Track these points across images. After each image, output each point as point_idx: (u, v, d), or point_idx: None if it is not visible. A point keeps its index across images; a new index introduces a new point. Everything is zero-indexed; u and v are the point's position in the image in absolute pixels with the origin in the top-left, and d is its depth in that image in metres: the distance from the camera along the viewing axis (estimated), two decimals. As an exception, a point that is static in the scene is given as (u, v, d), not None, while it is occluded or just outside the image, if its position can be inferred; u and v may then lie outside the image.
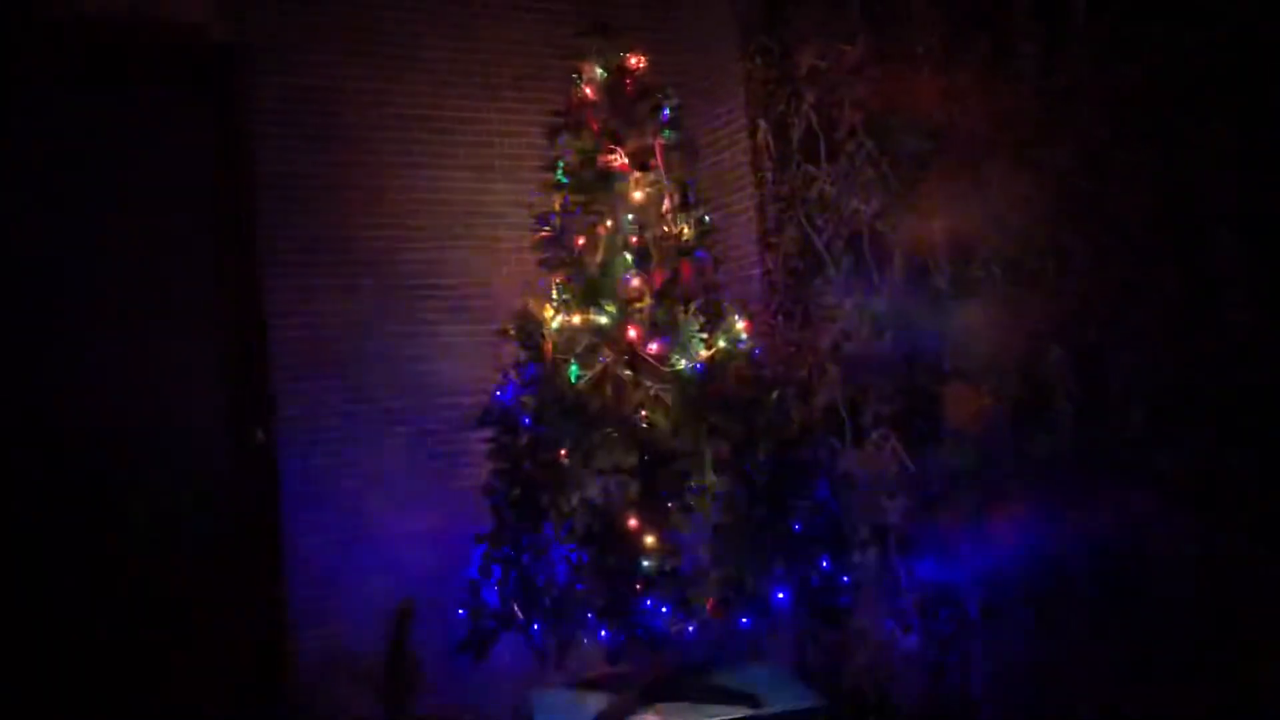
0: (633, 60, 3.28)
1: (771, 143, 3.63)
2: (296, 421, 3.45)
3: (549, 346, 3.10)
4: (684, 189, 3.28)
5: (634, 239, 3.14)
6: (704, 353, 3.07)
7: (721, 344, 3.12)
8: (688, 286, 3.18)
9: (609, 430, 2.97)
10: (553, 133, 3.29)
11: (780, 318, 3.62)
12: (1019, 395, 2.62)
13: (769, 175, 3.66)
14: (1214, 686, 2.17)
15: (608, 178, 3.20)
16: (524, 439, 3.10)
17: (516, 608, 3.02)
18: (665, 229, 3.20)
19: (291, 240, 3.50)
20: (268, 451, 3.42)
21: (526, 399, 3.11)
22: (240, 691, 3.37)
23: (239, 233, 3.46)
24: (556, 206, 3.27)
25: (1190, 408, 2.19)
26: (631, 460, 2.95)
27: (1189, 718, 2.22)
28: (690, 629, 3.01)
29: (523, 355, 3.17)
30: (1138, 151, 2.26)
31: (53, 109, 3.31)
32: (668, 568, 2.90)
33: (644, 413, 2.99)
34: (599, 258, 3.15)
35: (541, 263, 3.30)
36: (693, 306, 3.09)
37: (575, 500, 2.96)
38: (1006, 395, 2.66)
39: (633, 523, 2.89)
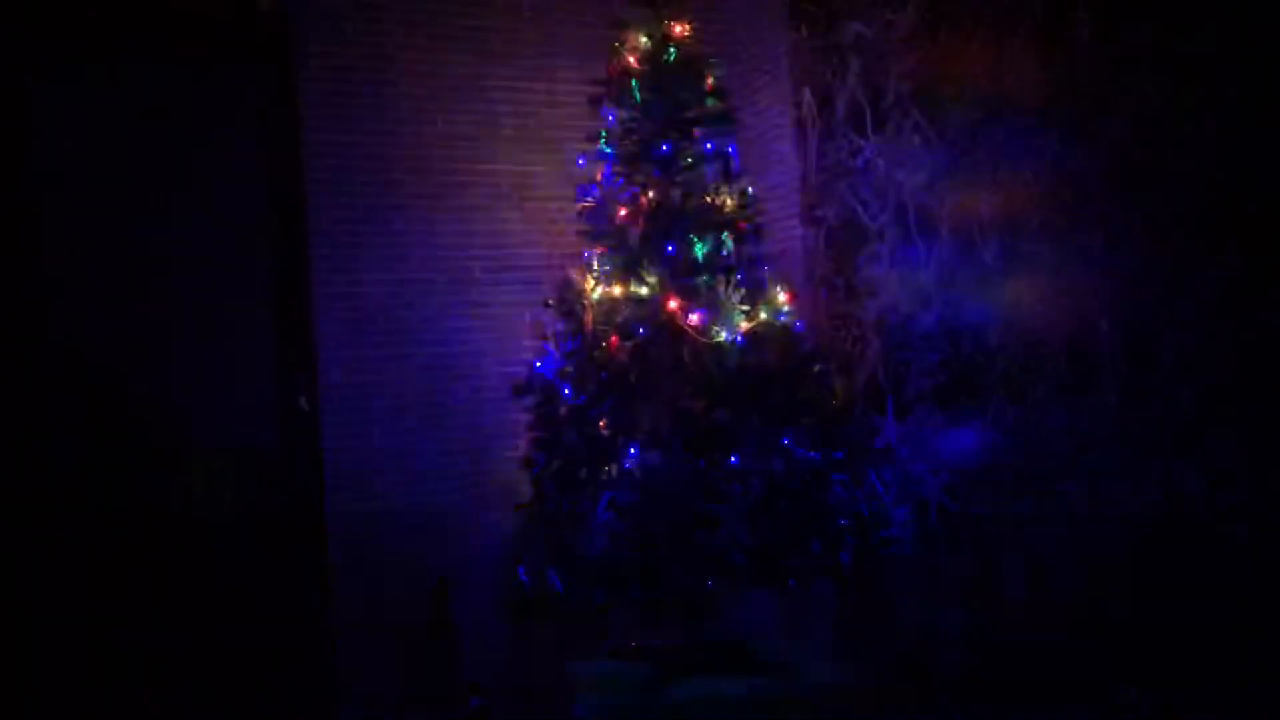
0: (677, 29, 3.25)
1: (816, 113, 3.58)
2: (341, 390, 3.49)
3: (589, 318, 3.10)
4: (726, 159, 3.25)
5: (675, 210, 3.12)
6: (745, 325, 3.05)
7: (763, 316, 3.10)
8: (729, 258, 3.16)
9: (648, 402, 2.97)
10: (595, 103, 3.27)
11: (823, 290, 3.59)
12: (1066, 371, 2.58)
13: (813, 146, 3.62)
14: (1266, 670, 2.13)
15: (650, 148, 3.18)
16: (564, 410, 3.11)
17: (555, 577, 3.04)
18: (707, 199, 3.17)
19: (339, 209, 3.52)
20: (312, 419, 3.46)
21: (567, 370, 3.12)
22: (283, 657, 3.44)
23: (287, 201, 3.49)
24: (598, 177, 3.26)
25: (1243, 389, 2.14)
26: (671, 432, 2.94)
27: (1238, 700, 2.19)
28: (728, 600, 3.02)
29: (563, 326, 3.18)
30: (1198, 123, 2.20)
31: (101, 78, 3.34)
32: (707, 540, 2.90)
33: (684, 385, 2.98)
34: (640, 229, 3.13)
35: (583, 234, 3.29)
36: (734, 278, 3.07)
37: (615, 471, 2.97)
38: (1053, 371, 2.62)
39: (671, 494, 2.90)
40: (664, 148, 3.16)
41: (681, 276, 3.09)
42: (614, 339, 3.04)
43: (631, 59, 3.23)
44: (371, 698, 3.38)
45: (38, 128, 3.25)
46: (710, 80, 3.24)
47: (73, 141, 3.30)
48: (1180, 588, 2.31)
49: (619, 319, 3.07)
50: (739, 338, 3.03)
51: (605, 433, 3.02)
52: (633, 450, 2.96)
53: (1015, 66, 2.68)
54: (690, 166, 3.19)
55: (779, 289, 3.20)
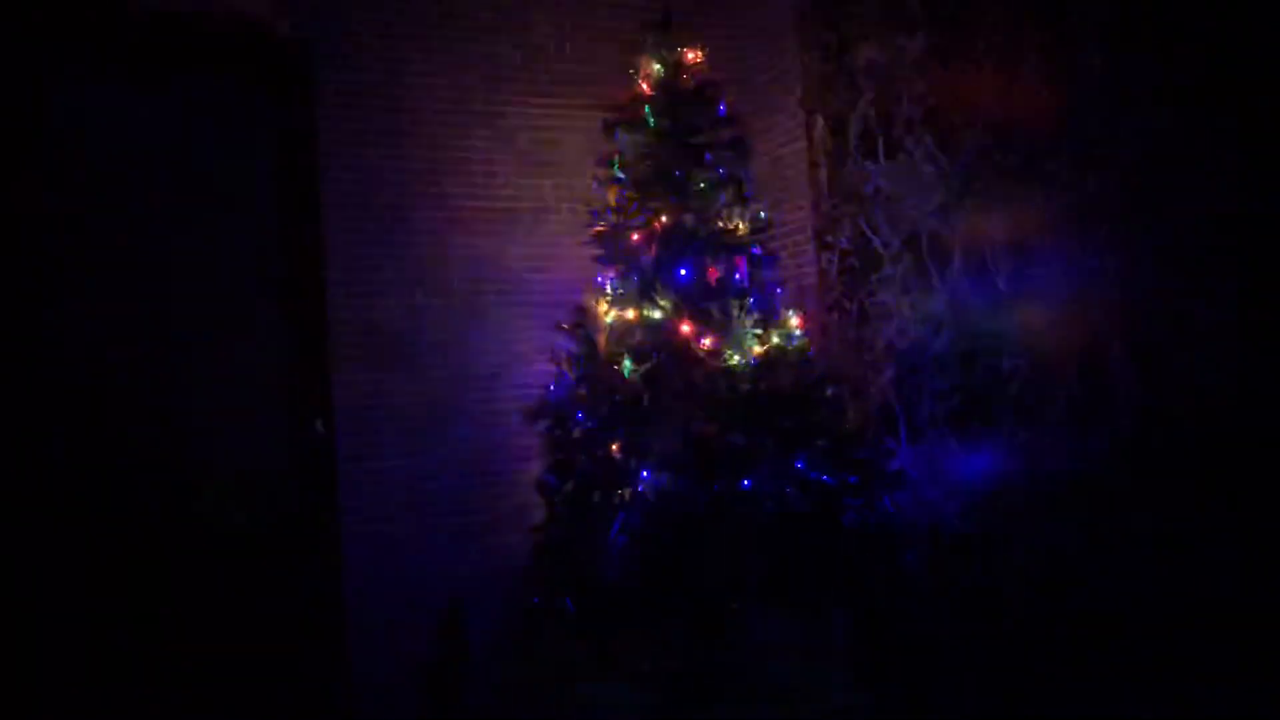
0: (690, 55, 3.28)
1: (828, 138, 3.60)
2: (355, 412, 3.50)
3: (603, 341, 3.11)
4: (739, 184, 3.27)
5: (688, 234, 3.14)
6: (757, 349, 3.06)
7: (775, 340, 3.11)
8: (742, 282, 3.17)
9: (661, 426, 2.98)
10: (609, 127, 3.30)
11: (835, 314, 3.60)
12: (1078, 394, 2.58)
13: (825, 171, 3.64)
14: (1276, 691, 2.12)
15: (663, 173, 3.20)
16: (577, 433, 3.11)
17: (569, 600, 3.03)
18: (720, 224, 3.19)
19: (354, 232, 3.54)
20: (327, 441, 3.47)
21: (580, 393, 3.13)
22: (295, 678, 3.43)
23: (301, 226, 3.52)
24: (612, 201, 3.28)
25: (1258, 410, 2.14)
26: (684, 456, 2.95)
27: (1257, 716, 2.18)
28: (742, 624, 3.01)
29: (576, 350, 3.19)
30: (1207, 146, 2.21)
31: (117, 104, 3.38)
32: (720, 563, 2.89)
33: (696, 409, 2.98)
34: (653, 253, 3.15)
35: (597, 258, 3.31)
36: (747, 302, 3.08)
37: (628, 494, 2.97)
38: (1065, 394, 2.61)
39: (685, 518, 2.90)
40: (677, 173, 3.18)
41: (694, 301, 3.10)
42: (627, 362, 3.05)
43: (645, 85, 3.26)
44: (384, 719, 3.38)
45: (59, 148, 3.30)
46: (723, 106, 3.26)
47: (92, 164, 3.34)
48: (1194, 608, 2.29)
49: (632, 343, 3.08)
50: (752, 362, 3.03)
51: (618, 456, 3.02)
52: (645, 474, 2.97)
53: (1026, 91, 2.70)
54: (703, 191, 3.21)
55: (791, 313, 3.21)
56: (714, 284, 3.12)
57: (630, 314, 3.11)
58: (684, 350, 3.04)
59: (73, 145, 3.31)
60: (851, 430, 3.23)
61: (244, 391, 3.48)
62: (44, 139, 3.28)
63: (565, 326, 3.23)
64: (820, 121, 3.64)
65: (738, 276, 3.17)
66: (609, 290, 3.21)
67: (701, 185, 3.20)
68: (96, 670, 3.21)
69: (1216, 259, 2.21)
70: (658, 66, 3.26)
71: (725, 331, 3.04)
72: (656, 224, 3.18)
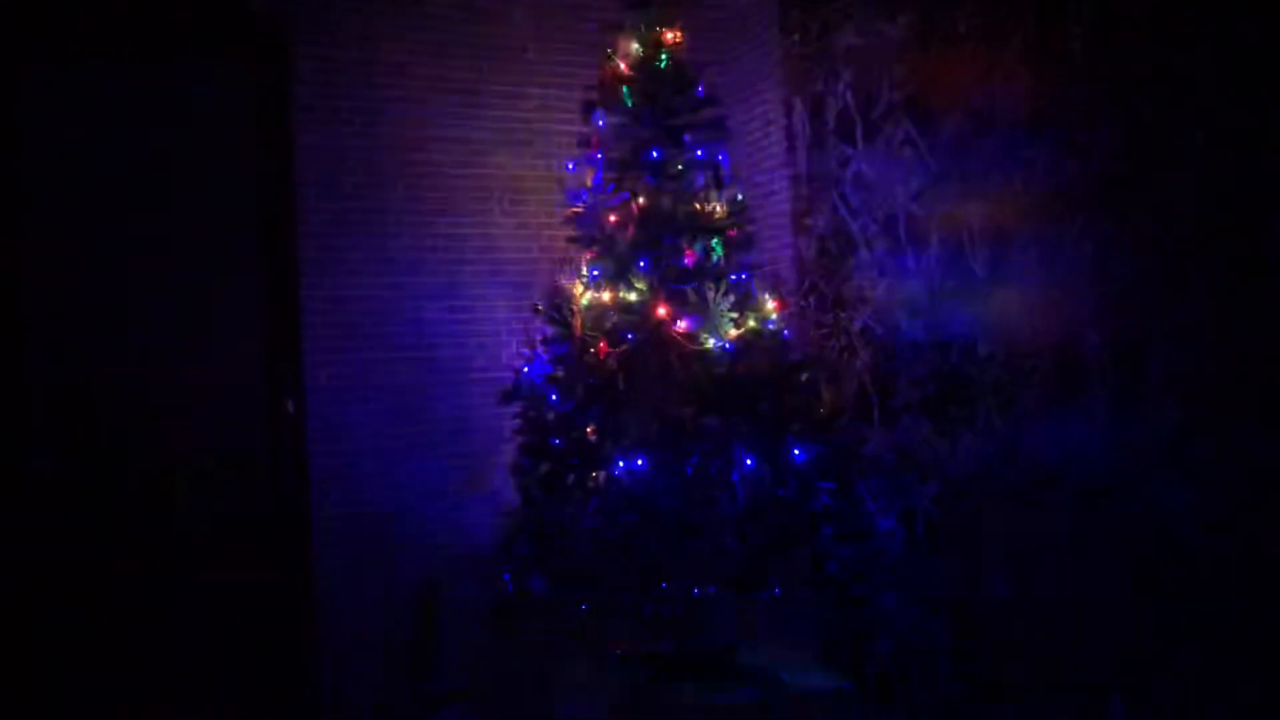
0: (669, 35, 3.25)
1: (807, 121, 3.59)
2: (327, 393, 3.47)
3: (578, 323, 3.09)
4: (717, 167, 3.25)
5: (665, 216, 3.12)
6: (733, 332, 3.05)
7: (751, 324, 3.10)
8: (719, 265, 3.15)
9: (636, 408, 2.96)
10: (586, 108, 3.26)
11: (811, 298, 3.59)
12: (1054, 382, 2.58)
13: (803, 154, 3.62)
14: (1250, 680, 2.14)
15: (640, 154, 3.17)
16: (552, 415, 3.10)
17: (542, 582, 3.02)
18: (697, 206, 3.17)
19: (328, 213, 3.50)
20: (297, 422, 3.44)
21: (555, 375, 3.11)
22: (266, 662, 3.41)
23: (276, 205, 3.47)
24: (589, 182, 3.25)
25: (1231, 400, 2.15)
26: (659, 439, 2.94)
27: (1223, 710, 2.20)
28: (714, 608, 3.01)
29: (552, 332, 3.17)
30: (1188, 136, 2.21)
31: (93, 80, 3.32)
32: (694, 547, 2.89)
33: (672, 392, 2.97)
34: (630, 235, 3.13)
35: (572, 239, 3.28)
36: (723, 285, 3.07)
37: (602, 477, 2.96)
38: (1041, 382, 2.62)
39: (658, 500, 2.89)
40: (654, 154, 3.16)
41: (670, 283, 3.08)
42: (603, 345, 3.03)
43: (623, 65, 3.23)
44: (354, 703, 3.36)
45: (28, 128, 3.24)
46: (701, 87, 3.24)
47: (63, 143, 3.28)
48: (1166, 598, 2.31)
49: (608, 325, 3.06)
50: (727, 345, 3.02)
51: (593, 439, 3.01)
52: (620, 456, 2.95)
53: (1006, 78, 2.69)
54: (680, 173, 3.19)
55: (768, 297, 3.20)
56: (690, 266, 3.10)
57: (606, 296, 3.09)
58: (660, 333, 3.02)
59: (42, 125, 3.25)
60: (826, 415, 3.23)
61: (216, 372, 3.44)
62: (13, 115, 3.22)
63: (540, 308, 3.20)
64: (799, 104, 3.62)
65: (715, 259, 3.15)
66: (585, 272, 3.18)
67: (679, 167, 3.19)
68: (58, 648, 3.18)
69: (1194, 248, 2.22)
70: (636, 46, 3.23)
71: (701, 314, 3.02)
72: (633, 205, 3.16)
